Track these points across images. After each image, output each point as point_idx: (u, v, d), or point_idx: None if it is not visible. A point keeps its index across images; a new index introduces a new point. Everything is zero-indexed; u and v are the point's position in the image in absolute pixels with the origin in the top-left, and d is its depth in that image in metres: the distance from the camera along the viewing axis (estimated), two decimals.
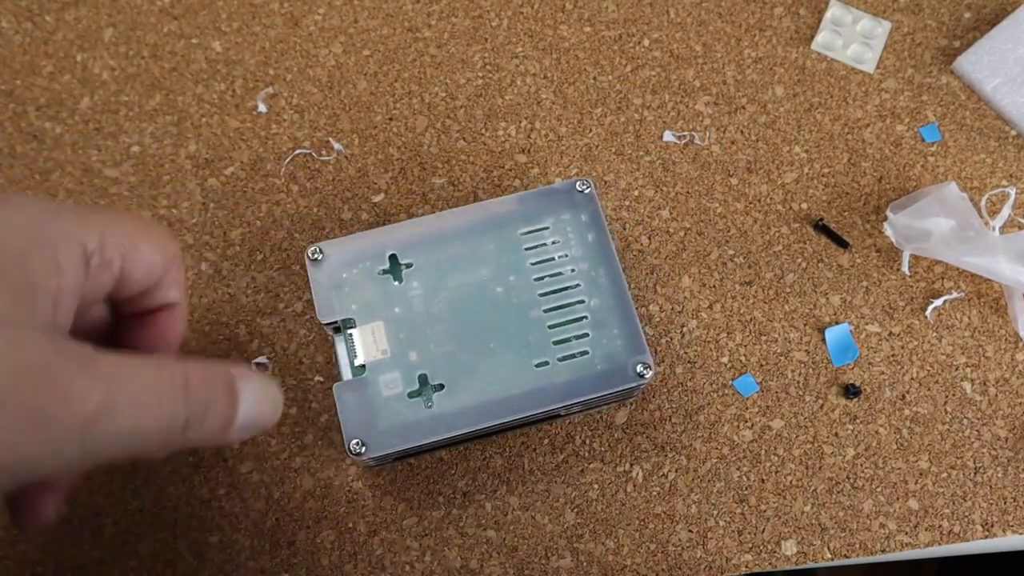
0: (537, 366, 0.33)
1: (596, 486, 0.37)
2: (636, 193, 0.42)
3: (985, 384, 0.39)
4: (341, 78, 0.45)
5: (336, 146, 0.43)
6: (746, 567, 0.36)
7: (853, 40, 0.45)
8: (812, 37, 0.46)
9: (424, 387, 0.33)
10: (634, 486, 0.37)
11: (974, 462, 0.37)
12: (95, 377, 0.22)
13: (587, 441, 0.37)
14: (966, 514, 0.36)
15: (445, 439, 0.33)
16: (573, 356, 0.34)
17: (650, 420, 0.38)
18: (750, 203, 0.42)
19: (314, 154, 0.43)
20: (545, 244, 0.35)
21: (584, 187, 0.36)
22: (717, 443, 0.37)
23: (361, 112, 0.44)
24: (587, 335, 0.34)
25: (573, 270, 0.35)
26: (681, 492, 0.37)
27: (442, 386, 0.33)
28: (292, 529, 0.36)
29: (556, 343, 0.34)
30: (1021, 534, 0.36)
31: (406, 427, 0.32)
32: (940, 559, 0.63)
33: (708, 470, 0.37)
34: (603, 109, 0.44)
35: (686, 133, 0.43)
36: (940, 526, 0.36)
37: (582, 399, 0.33)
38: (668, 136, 0.43)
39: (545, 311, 0.34)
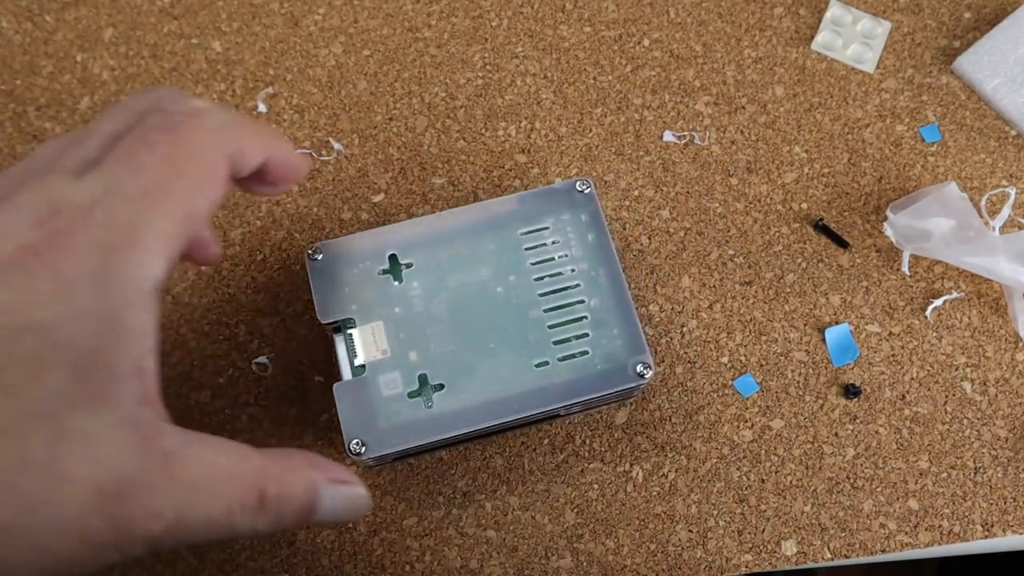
0: (537, 366, 0.33)
1: (596, 486, 0.37)
2: (636, 193, 0.42)
3: (985, 384, 0.39)
4: (341, 78, 0.45)
5: (336, 146, 0.43)
6: (746, 567, 0.36)
7: (853, 40, 0.46)
8: (812, 37, 0.46)
9: (424, 387, 0.33)
10: (634, 486, 0.37)
11: (974, 462, 0.37)
12: (171, 492, 0.22)
13: (587, 441, 0.37)
14: (966, 514, 0.36)
15: (445, 439, 0.33)
16: (573, 356, 0.34)
17: (650, 420, 0.38)
18: (750, 203, 0.42)
19: (314, 154, 0.43)
20: (545, 244, 0.35)
21: (584, 187, 0.36)
22: (717, 443, 0.37)
23: (361, 112, 0.44)
24: (587, 335, 0.34)
25: (573, 270, 0.35)
26: (681, 492, 0.37)
27: (442, 386, 0.33)
28: (292, 529, 0.36)
29: (556, 343, 0.34)
30: (1021, 534, 0.36)
31: (406, 427, 0.32)
32: (940, 559, 0.63)
33: (708, 470, 0.37)
34: (603, 109, 0.44)
35: (686, 133, 0.43)
36: (940, 526, 0.36)
37: (582, 399, 0.33)
38: (668, 136, 0.43)
39: (545, 311, 0.34)
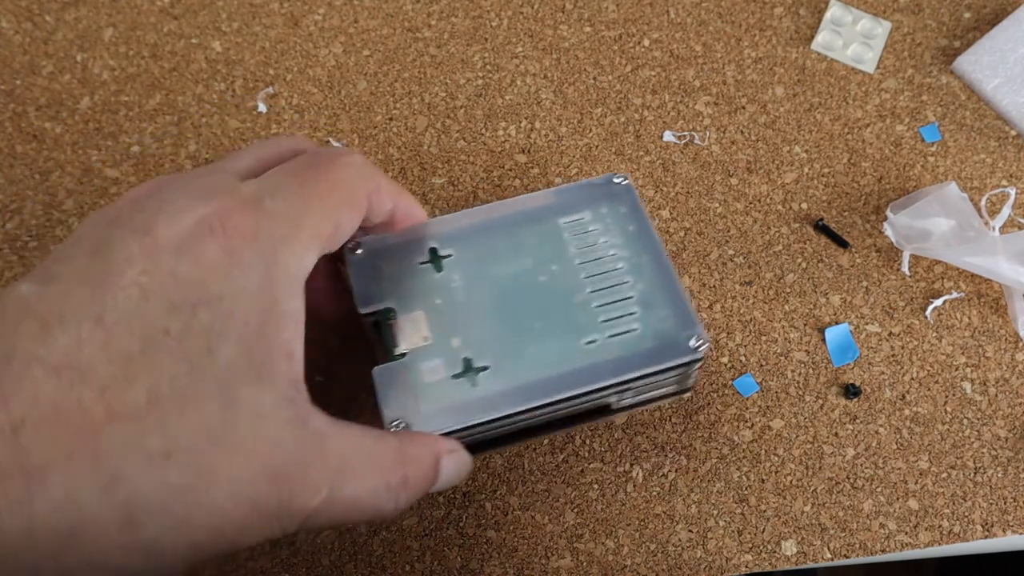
0: (585, 344, 0.32)
1: (596, 486, 0.37)
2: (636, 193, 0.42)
3: (985, 384, 0.39)
4: (341, 78, 0.45)
5: (336, 146, 0.43)
6: (746, 567, 0.36)
7: (853, 40, 0.46)
8: (812, 37, 0.46)
9: (468, 370, 0.32)
10: (634, 486, 0.37)
11: (974, 462, 0.37)
12: (325, 469, 0.23)
13: (587, 441, 0.37)
14: (966, 514, 0.36)
15: (492, 420, 0.31)
16: (622, 333, 0.32)
17: (650, 420, 0.38)
18: (750, 203, 0.42)
19: None
20: (586, 233, 0.35)
21: (621, 180, 0.36)
22: (717, 443, 0.37)
23: (361, 112, 0.44)
24: (635, 313, 0.33)
25: (615, 254, 0.34)
26: (681, 492, 0.37)
27: (487, 368, 0.31)
28: None
29: (604, 322, 0.32)
30: (1021, 534, 0.36)
31: (450, 409, 0.31)
32: (940, 559, 0.63)
33: (708, 470, 0.37)
34: (603, 109, 0.44)
35: (686, 133, 0.43)
36: (940, 526, 0.36)
37: (634, 375, 0.31)
38: (668, 136, 0.43)
39: (591, 292, 0.33)
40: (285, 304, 0.24)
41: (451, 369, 0.31)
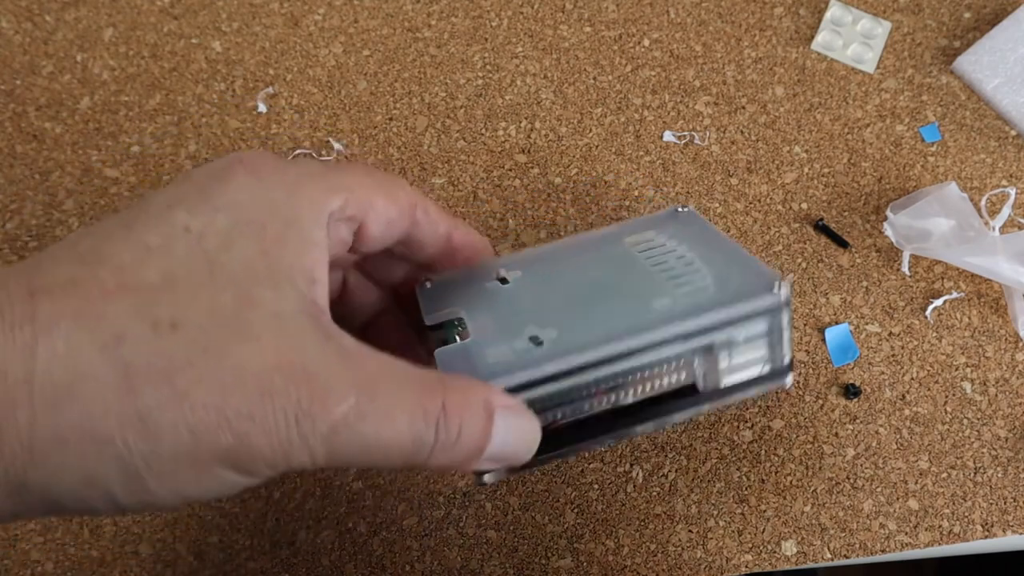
0: (656, 304, 0.30)
1: (596, 486, 0.37)
2: (636, 193, 0.42)
3: (985, 384, 0.39)
4: (341, 78, 0.45)
5: (336, 146, 0.43)
6: (746, 567, 0.36)
7: (853, 40, 0.46)
8: (812, 37, 0.46)
9: (534, 342, 0.30)
10: (634, 486, 0.37)
11: (974, 462, 0.37)
12: (351, 378, 0.22)
13: None
14: (966, 514, 0.36)
15: (557, 374, 0.28)
16: (698, 289, 0.30)
17: None
18: (750, 203, 0.42)
19: (314, 154, 0.43)
20: (652, 240, 0.34)
21: (684, 209, 0.36)
22: (717, 443, 0.37)
23: (361, 112, 0.44)
24: (711, 279, 0.31)
25: (686, 253, 0.33)
26: (681, 492, 0.37)
27: (554, 335, 0.30)
28: (292, 529, 0.36)
29: (677, 286, 0.31)
30: (1021, 534, 0.36)
31: (512, 364, 0.28)
32: (940, 559, 0.63)
33: (708, 470, 0.37)
34: (603, 109, 0.44)
35: (686, 133, 0.43)
36: (940, 526, 0.36)
37: (712, 320, 0.29)
38: (668, 136, 0.43)
39: (660, 272, 0.32)
40: (307, 228, 0.24)
41: (517, 347, 0.29)
